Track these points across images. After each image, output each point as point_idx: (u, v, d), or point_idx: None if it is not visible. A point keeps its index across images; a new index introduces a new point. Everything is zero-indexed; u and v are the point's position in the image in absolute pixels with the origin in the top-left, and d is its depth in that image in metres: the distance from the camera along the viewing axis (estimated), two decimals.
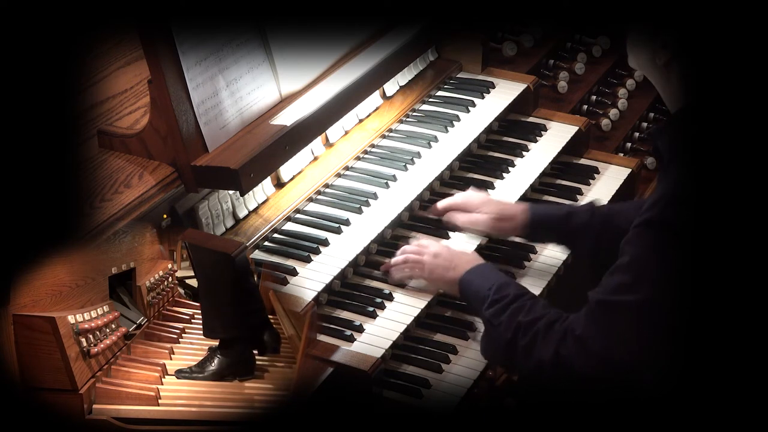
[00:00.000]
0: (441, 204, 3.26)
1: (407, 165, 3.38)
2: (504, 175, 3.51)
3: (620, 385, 2.55)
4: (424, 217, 3.30)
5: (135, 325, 2.80)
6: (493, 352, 2.80)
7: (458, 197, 3.26)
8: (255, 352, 2.78)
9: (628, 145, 4.21)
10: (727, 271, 2.45)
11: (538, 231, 3.19)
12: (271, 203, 3.16)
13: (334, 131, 3.39)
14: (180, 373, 2.71)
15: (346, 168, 3.36)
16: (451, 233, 3.23)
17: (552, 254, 3.27)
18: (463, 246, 3.15)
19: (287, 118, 3.06)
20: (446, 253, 3.00)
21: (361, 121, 3.54)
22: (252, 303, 2.75)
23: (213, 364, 2.72)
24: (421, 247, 3.04)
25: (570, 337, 2.58)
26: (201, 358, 2.77)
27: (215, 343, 2.77)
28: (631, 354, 2.50)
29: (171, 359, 2.79)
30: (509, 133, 3.74)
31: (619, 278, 2.52)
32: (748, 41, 2.50)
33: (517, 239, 3.28)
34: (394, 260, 3.06)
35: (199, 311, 2.87)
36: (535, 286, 3.11)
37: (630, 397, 2.61)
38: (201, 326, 2.82)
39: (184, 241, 2.79)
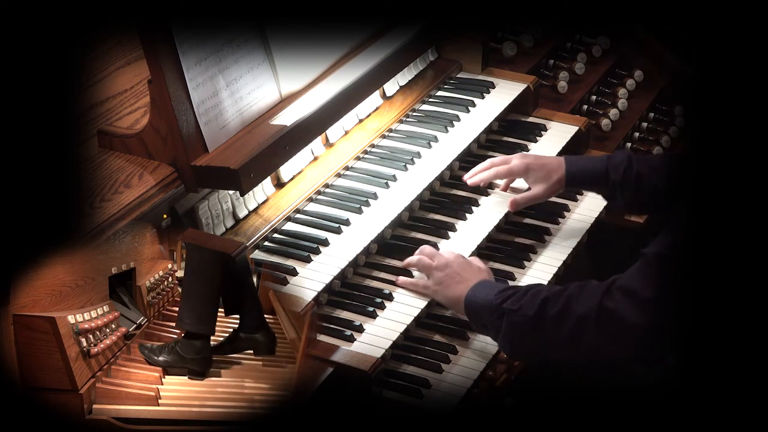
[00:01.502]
0: (480, 177, 3.35)
1: (407, 165, 3.38)
2: None
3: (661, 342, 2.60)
4: (424, 218, 3.31)
5: (135, 325, 2.80)
6: (515, 340, 2.77)
7: (500, 171, 3.32)
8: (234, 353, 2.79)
9: (628, 145, 4.21)
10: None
11: (577, 187, 3.36)
12: (271, 203, 3.16)
13: (334, 131, 3.39)
14: (141, 347, 2.72)
15: (346, 168, 3.36)
16: (450, 233, 3.23)
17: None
18: (464, 244, 3.16)
19: (287, 118, 3.06)
20: (456, 265, 2.96)
21: (361, 121, 3.54)
22: (246, 304, 2.76)
23: (168, 354, 2.70)
24: (435, 252, 3.04)
25: (616, 290, 2.62)
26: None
27: (215, 342, 2.77)
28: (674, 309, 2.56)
29: None
30: (509, 133, 3.73)
31: (672, 237, 2.57)
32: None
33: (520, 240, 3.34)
34: (407, 260, 3.05)
35: None
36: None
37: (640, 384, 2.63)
38: None
39: (184, 241, 2.79)
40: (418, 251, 3.05)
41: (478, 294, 2.85)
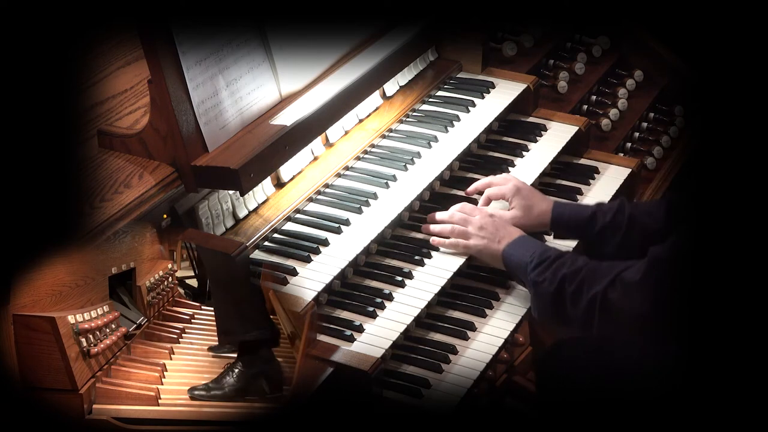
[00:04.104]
0: (474, 190, 3.37)
1: (407, 165, 3.38)
2: None
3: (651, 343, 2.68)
4: (424, 218, 3.30)
5: (135, 325, 2.80)
6: (541, 309, 2.94)
7: (492, 190, 3.32)
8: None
9: (628, 145, 4.21)
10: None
11: (561, 231, 3.29)
12: (271, 203, 3.16)
13: (334, 131, 3.39)
14: (194, 391, 2.64)
15: (346, 168, 3.36)
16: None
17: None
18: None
19: (287, 118, 3.06)
20: (491, 225, 3.10)
21: (361, 121, 3.54)
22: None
23: (233, 378, 2.63)
24: (466, 213, 3.14)
25: (619, 282, 2.72)
26: (201, 358, 2.77)
27: (215, 342, 2.77)
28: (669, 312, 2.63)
29: (171, 359, 2.79)
30: (509, 133, 3.73)
31: (676, 243, 2.63)
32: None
33: None
34: (439, 228, 3.14)
35: (199, 311, 2.87)
36: None
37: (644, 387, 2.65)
38: (202, 327, 2.82)
39: (184, 242, 2.79)
40: (448, 216, 3.15)
41: (514, 253, 3.03)
